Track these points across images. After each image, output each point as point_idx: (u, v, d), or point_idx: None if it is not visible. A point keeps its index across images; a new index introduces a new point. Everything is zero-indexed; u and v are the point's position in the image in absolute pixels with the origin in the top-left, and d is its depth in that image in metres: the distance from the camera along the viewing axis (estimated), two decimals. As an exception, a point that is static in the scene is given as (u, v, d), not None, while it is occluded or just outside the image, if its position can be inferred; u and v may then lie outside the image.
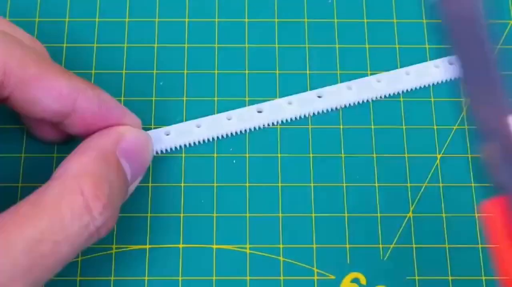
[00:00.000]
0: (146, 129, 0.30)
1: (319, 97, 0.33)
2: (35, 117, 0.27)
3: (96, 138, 0.27)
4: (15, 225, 0.23)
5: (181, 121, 0.32)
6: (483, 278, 0.30)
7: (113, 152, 0.27)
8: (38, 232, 0.23)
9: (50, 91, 0.26)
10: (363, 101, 0.33)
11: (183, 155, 0.32)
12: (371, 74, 0.34)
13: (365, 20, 0.35)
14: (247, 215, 0.31)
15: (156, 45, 0.34)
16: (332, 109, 0.33)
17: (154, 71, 0.33)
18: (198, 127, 0.32)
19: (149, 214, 0.31)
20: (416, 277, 0.30)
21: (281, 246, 0.30)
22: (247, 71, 0.33)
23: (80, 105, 0.27)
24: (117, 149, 0.27)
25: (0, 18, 0.28)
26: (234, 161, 0.32)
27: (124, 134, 0.28)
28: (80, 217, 0.24)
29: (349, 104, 0.33)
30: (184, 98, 0.33)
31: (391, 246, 0.31)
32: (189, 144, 0.32)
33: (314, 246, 0.30)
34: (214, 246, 0.30)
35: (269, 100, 0.33)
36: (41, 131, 0.31)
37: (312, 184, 0.31)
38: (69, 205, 0.24)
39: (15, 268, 0.23)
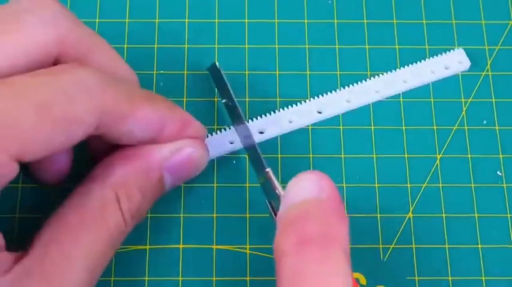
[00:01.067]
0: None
1: (319, 112, 0.33)
2: (117, 143, 0.27)
3: (146, 147, 0.27)
4: (70, 237, 0.24)
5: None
6: (483, 278, 0.30)
7: (158, 168, 0.27)
8: (92, 244, 0.24)
9: (141, 124, 0.26)
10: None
11: (183, 155, 0.32)
12: (371, 75, 0.34)
13: (365, 21, 0.35)
14: (247, 215, 0.31)
15: (156, 45, 0.34)
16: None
17: (154, 72, 0.33)
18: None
19: (149, 214, 0.31)
20: (416, 277, 0.30)
21: (281, 246, 0.30)
22: (247, 72, 0.34)
23: (167, 130, 0.27)
24: (164, 165, 0.27)
25: (111, 51, 0.27)
26: (234, 162, 0.32)
27: (177, 152, 0.27)
28: (119, 228, 0.25)
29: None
30: (184, 99, 0.33)
31: (391, 246, 0.31)
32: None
33: (314, 246, 0.30)
34: (214, 246, 0.30)
35: (269, 100, 0.33)
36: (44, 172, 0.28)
37: (312, 184, 0.31)
38: (112, 215, 0.25)
39: (80, 284, 0.23)
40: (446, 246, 0.31)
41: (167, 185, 0.27)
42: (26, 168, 0.27)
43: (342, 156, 0.32)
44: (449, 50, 0.34)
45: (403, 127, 0.33)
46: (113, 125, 0.25)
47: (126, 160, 0.26)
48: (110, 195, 0.25)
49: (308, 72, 0.34)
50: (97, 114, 0.24)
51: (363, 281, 0.30)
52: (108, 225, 0.25)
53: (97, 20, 0.34)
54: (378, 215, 0.31)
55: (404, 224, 0.31)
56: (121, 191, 0.25)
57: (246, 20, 0.35)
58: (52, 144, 0.23)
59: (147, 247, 0.30)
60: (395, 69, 0.34)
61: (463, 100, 0.34)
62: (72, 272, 0.23)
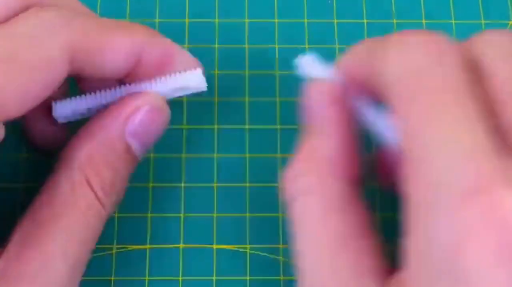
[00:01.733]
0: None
1: None
2: (100, 78, 0.26)
3: (104, 119, 0.26)
4: (44, 232, 0.23)
5: (181, 122, 0.32)
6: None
7: (121, 136, 0.26)
8: (68, 235, 0.23)
9: (116, 54, 0.25)
10: None
11: (183, 155, 0.32)
12: (371, 74, 0.34)
13: (365, 20, 0.35)
14: (247, 215, 0.31)
15: (156, 45, 0.34)
16: None
17: (154, 71, 0.33)
18: None
19: (149, 214, 0.31)
20: (416, 277, 0.30)
21: (281, 246, 0.30)
22: (247, 71, 0.33)
23: (145, 58, 0.26)
24: (126, 131, 0.26)
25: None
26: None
27: (134, 114, 0.26)
28: (95, 209, 0.24)
29: None
30: (184, 98, 0.33)
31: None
32: None
33: (314, 246, 0.30)
34: (214, 246, 0.30)
35: (269, 100, 0.33)
36: (41, 131, 0.29)
37: (312, 184, 0.31)
38: (84, 198, 0.24)
39: (61, 281, 0.23)
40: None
41: (138, 152, 0.26)
42: (23, 137, 0.28)
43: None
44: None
45: (403, 127, 0.33)
46: (88, 58, 0.24)
47: (89, 137, 0.25)
48: (79, 177, 0.24)
49: (308, 72, 0.34)
50: (67, 50, 0.23)
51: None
52: (82, 210, 0.24)
53: (97, 20, 0.34)
54: (378, 215, 0.31)
55: (404, 224, 0.31)
56: (89, 170, 0.24)
57: (246, 20, 0.35)
58: (30, 93, 0.22)
59: (147, 247, 0.30)
60: (395, 69, 0.34)
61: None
62: (50, 269, 0.22)
